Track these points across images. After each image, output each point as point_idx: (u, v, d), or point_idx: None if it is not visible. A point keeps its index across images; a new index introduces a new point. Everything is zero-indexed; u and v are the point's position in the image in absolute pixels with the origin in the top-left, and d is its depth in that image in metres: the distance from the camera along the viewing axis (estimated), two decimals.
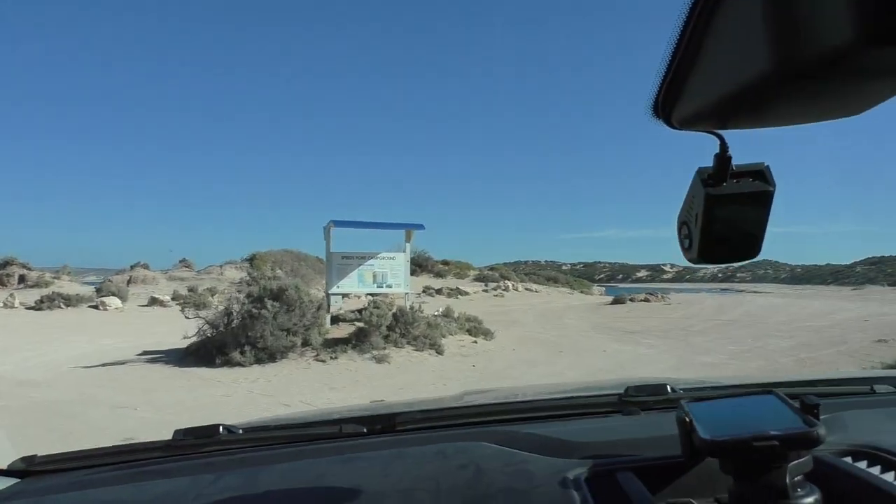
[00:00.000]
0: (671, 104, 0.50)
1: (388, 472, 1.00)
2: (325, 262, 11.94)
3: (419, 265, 34.16)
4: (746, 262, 0.62)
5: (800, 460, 0.71)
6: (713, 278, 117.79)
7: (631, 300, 23.51)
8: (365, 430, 1.22)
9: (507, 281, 32.34)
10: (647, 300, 23.44)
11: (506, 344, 12.78)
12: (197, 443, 1.18)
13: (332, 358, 9.78)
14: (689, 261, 0.62)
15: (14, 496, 1.03)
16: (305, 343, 10.14)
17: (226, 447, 1.19)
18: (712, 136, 0.54)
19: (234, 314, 10.31)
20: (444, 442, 1.12)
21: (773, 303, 22.78)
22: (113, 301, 19.88)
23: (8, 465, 1.14)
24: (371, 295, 12.27)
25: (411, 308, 10.85)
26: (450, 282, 31.76)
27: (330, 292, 11.63)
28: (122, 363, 10.23)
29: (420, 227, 11.82)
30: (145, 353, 11.30)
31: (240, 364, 9.45)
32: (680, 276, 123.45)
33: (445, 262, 35.97)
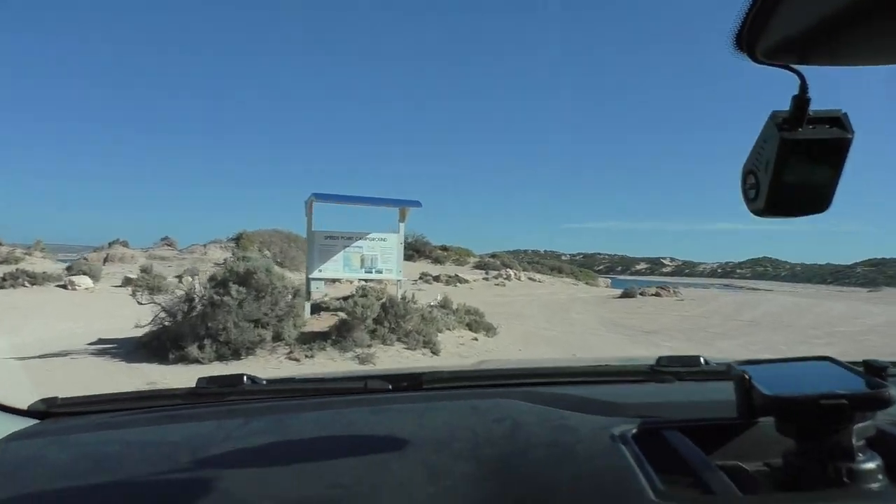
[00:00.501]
0: (756, 35, 0.48)
1: (422, 423, 0.97)
2: (307, 242, 10.38)
3: (416, 250, 32.61)
4: (814, 214, 0.58)
5: (864, 423, 0.68)
6: (712, 273, 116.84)
7: (641, 294, 21.99)
8: (390, 387, 1.20)
9: (509, 269, 30.79)
10: (658, 295, 21.94)
11: (510, 342, 11.31)
12: (221, 391, 1.17)
13: (307, 356, 8.26)
14: (753, 212, 0.59)
15: (35, 435, 1.01)
16: (277, 337, 8.60)
17: (249, 396, 1.17)
18: (790, 76, 0.52)
19: (197, 301, 8.78)
20: (474, 399, 1.09)
21: (792, 303, 21.27)
22: (83, 280, 18.32)
23: (28, 406, 1.12)
24: (363, 281, 10.77)
25: (403, 298, 9.29)
26: (448, 268, 30.21)
27: (310, 277, 10.09)
28: (65, 354, 8.71)
29: (416, 203, 10.26)
30: (99, 341, 9.79)
31: (197, 361, 7.91)
32: (679, 271, 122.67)
33: (444, 248, 34.42)
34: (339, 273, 10.41)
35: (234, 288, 8.34)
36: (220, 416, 1.05)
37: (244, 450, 0.90)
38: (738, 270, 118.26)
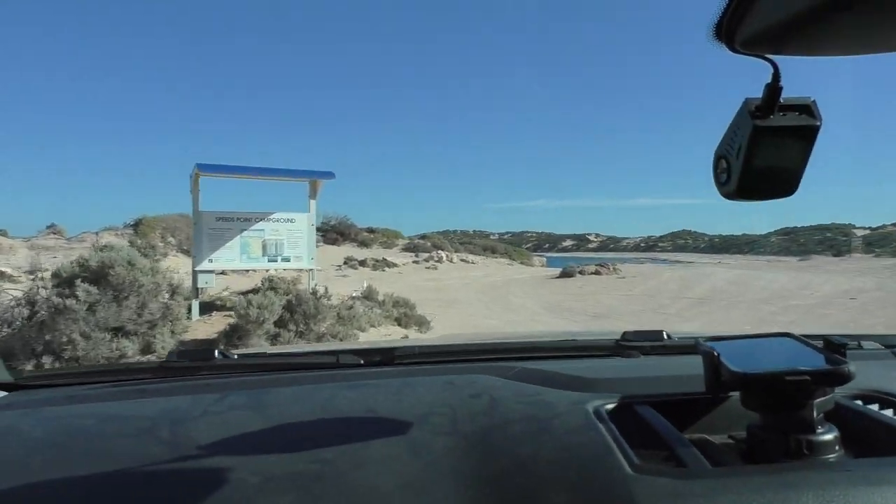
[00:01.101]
0: (735, 26, 0.49)
1: (400, 399, 0.96)
2: (193, 225, 8.30)
3: (340, 233, 30.41)
4: (782, 198, 0.60)
5: (825, 398, 0.71)
6: (636, 248, 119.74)
7: (580, 273, 20.85)
8: (362, 362, 1.20)
9: (440, 251, 29.13)
10: (598, 273, 20.86)
11: (446, 337, 9.67)
12: (192, 365, 1.17)
13: None
14: (725, 195, 0.61)
15: (6, 407, 0.99)
16: (147, 349, 6.58)
17: (221, 371, 1.16)
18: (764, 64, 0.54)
19: (40, 305, 6.63)
20: (449, 374, 1.09)
21: (734, 276, 20.70)
22: None
23: None
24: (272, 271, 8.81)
25: (314, 293, 7.41)
26: (376, 252, 28.25)
27: (197, 269, 8.05)
28: None
29: (329, 175, 8.34)
30: None
31: None
32: (604, 246, 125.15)
33: (371, 230, 32.34)
34: (234, 263, 8.39)
35: (81, 287, 6.24)
36: (195, 391, 1.03)
37: (223, 425, 0.88)
38: (660, 244, 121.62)
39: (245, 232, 8.34)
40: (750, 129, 0.56)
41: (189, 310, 7.81)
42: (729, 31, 0.50)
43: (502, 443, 0.79)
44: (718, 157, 0.61)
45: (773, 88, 0.55)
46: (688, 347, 1.21)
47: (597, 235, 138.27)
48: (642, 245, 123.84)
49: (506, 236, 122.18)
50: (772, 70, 0.54)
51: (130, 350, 6.29)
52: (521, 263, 32.92)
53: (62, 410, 0.97)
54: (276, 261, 8.51)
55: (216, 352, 1.19)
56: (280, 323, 6.99)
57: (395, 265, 24.62)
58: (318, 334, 7.09)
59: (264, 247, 8.42)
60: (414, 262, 26.68)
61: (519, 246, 51.27)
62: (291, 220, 8.54)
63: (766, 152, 0.57)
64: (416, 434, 0.82)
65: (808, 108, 0.57)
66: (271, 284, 10.13)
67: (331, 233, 30.22)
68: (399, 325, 9.62)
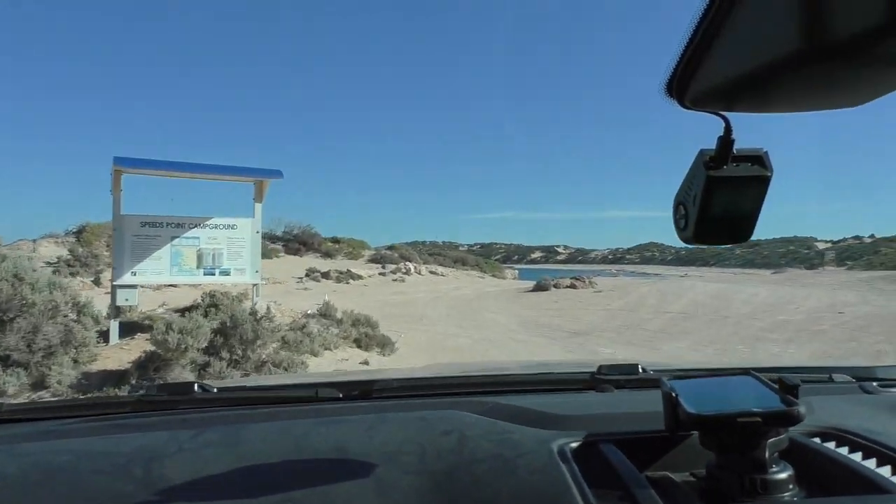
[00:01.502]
0: (686, 83, 0.51)
1: (371, 436, 0.97)
2: (113, 231, 7.03)
3: (303, 243, 29.00)
4: (737, 243, 0.63)
5: (778, 437, 0.73)
6: (604, 260, 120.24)
7: (555, 286, 19.89)
8: (340, 396, 1.21)
9: (408, 262, 27.94)
10: (573, 286, 19.92)
11: (412, 360, 8.53)
12: (170, 399, 1.17)
13: None
14: (683, 240, 0.63)
15: None
16: (40, 384, 5.32)
17: (200, 405, 1.16)
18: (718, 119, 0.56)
19: None
20: (423, 410, 1.09)
21: (713, 290, 19.98)
22: None
23: None
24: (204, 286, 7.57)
25: (253, 314, 6.21)
26: (340, 263, 26.94)
27: (117, 283, 6.79)
28: None
29: (277, 174, 7.15)
30: None
31: None
32: (573, 258, 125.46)
33: (336, 240, 30.99)
34: (162, 276, 7.14)
35: None
36: (171, 427, 1.02)
37: (196, 463, 0.88)
38: (628, 256, 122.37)
39: (177, 240, 7.10)
40: (704, 179, 0.58)
41: (104, 333, 6.54)
42: (680, 89, 0.51)
43: (467, 483, 0.81)
44: (678, 204, 0.63)
45: (726, 141, 0.57)
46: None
47: (565, 247, 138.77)
48: (610, 257, 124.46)
49: (475, 248, 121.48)
50: (724, 124, 0.56)
51: (12, 387, 5.01)
52: (493, 276, 31.89)
53: (38, 446, 0.97)
54: (214, 274, 7.28)
55: (196, 385, 1.19)
56: (209, 350, 5.77)
57: (360, 277, 23.36)
58: (256, 363, 5.89)
59: (200, 257, 7.19)
60: (380, 273, 25.43)
61: (488, 257, 50.34)
62: (233, 227, 7.33)
63: (719, 201, 0.59)
64: (383, 473, 0.84)
65: (759, 159, 0.59)
66: (212, 301, 8.87)
67: (293, 242, 28.80)
68: (359, 346, 8.45)
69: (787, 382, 0.75)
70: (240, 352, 5.94)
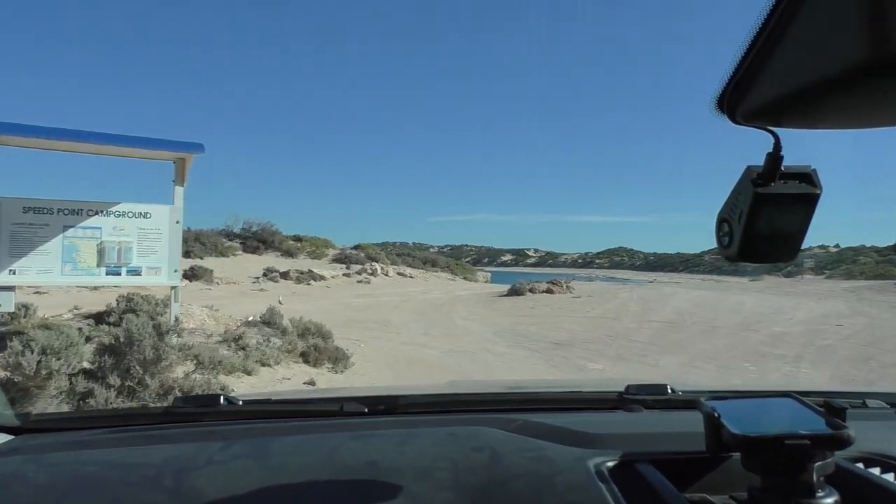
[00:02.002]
0: (737, 99, 0.51)
1: (403, 451, 0.95)
2: None
3: (263, 241, 27.29)
4: (783, 261, 0.62)
5: (825, 461, 0.71)
6: (574, 263, 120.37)
7: (531, 291, 18.67)
8: (366, 410, 1.20)
9: (375, 263, 26.46)
10: (550, 291, 18.72)
11: (368, 378, 7.19)
12: (197, 411, 1.16)
13: None
14: (727, 258, 0.63)
15: (11, 452, 0.99)
16: None
17: (226, 418, 1.16)
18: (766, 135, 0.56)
19: None
20: (450, 426, 1.08)
21: (696, 297, 18.99)
22: None
23: (2, 421, 1.10)
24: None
25: (157, 327, 4.76)
26: (302, 263, 25.34)
27: None
28: None
29: (198, 147, 5.70)
30: None
31: None
32: (543, 261, 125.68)
33: (298, 238, 29.33)
34: (52, 276, 5.63)
35: None
36: (199, 438, 1.02)
37: (227, 475, 0.88)
38: (598, 260, 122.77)
39: (71, 230, 5.61)
40: (751, 197, 0.57)
41: None
42: (731, 105, 0.52)
43: (503, 499, 0.80)
44: (721, 221, 0.63)
45: (774, 158, 0.57)
46: (691, 402, 1.17)
47: (535, 251, 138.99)
48: (580, 261, 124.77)
49: (445, 249, 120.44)
50: (773, 141, 0.56)
51: None
52: (464, 278, 30.55)
53: (67, 456, 0.97)
54: (120, 273, 5.78)
55: (221, 398, 1.17)
56: (92, 373, 4.32)
57: (322, 278, 21.84)
58: (157, 391, 4.45)
59: (101, 253, 5.70)
60: (345, 274, 23.91)
61: (459, 259, 49.06)
62: (146, 215, 5.85)
63: (767, 218, 0.58)
64: (417, 488, 0.83)
65: (808, 177, 0.58)
66: (130, 306, 7.38)
67: (251, 240, 27.08)
68: (306, 361, 7.06)
69: (833, 405, 0.74)
70: (138, 376, 4.51)
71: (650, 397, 1.26)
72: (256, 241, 27.03)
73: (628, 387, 1.29)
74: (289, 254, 27.17)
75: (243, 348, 6.78)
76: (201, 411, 1.15)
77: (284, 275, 21.12)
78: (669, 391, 1.28)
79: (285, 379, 6.24)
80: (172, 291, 5.96)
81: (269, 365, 6.54)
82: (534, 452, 0.91)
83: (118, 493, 0.82)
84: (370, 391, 1.47)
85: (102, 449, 0.98)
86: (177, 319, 5.17)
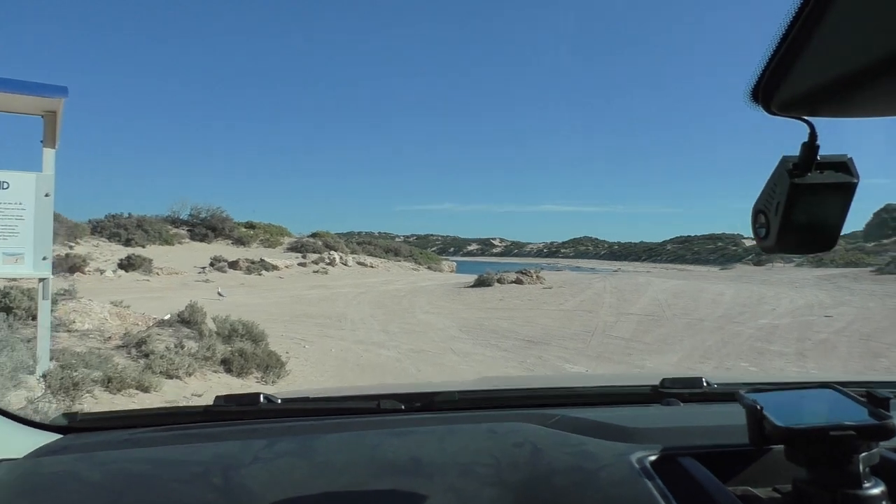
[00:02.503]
0: (773, 89, 0.51)
1: (444, 447, 0.96)
2: None
3: (212, 228, 25.56)
4: (820, 252, 0.61)
5: (870, 452, 0.70)
6: (539, 253, 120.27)
7: (499, 281, 17.53)
8: (403, 407, 1.20)
9: (333, 252, 25.00)
10: (519, 282, 17.62)
11: (312, 385, 5.94)
12: (238, 410, 1.17)
13: None
14: (764, 249, 0.62)
15: (62, 451, 1.00)
16: None
17: (266, 416, 1.17)
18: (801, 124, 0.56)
19: None
20: (489, 422, 1.07)
21: (672, 287, 18.08)
22: None
23: (50, 420, 1.12)
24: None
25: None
26: (254, 251, 23.77)
27: None
28: None
29: (61, 90, 4.32)
30: None
31: None
32: (508, 251, 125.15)
33: (251, 225, 27.66)
34: None
35: None
36: (243, 436, 1.03)
37: (274, 472, 0.88)
38: (563, 250, 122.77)
39: None
40: (788, 187, 0.57)
41: None
42: (766, 95, 0.51)
43: (548, 494, 0.80)
44: (757, 212, 0.62)
45: (811, 147, 0.56)
46: (727, 395, 1.16)
47: (501, 240, 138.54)
48: (545, 251, 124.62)
49: (411, 239, 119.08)
50: (808, 130, 0.56)
51: None
52: (429, 268, 29.32)
53: (117, 454, 0.98)
54: None
55: (261, 396, 1.18)
56: None
57: (275, 268, 20.37)
58: None
59: None
60: (300, 264, 22.45)
61: (425, 249, 47.81)
62: (2, 185, 4.46)
63: (804, 209, 0.57)
64: (462, 484, 0.83)
65: (844, 166, 0.57)
66: (6, 302, 6.00)
67: (200, 227, 25.32)
68: (228, 371, 5.74)
69: (875, 395, 0.74)
70: None
71: (686, 391, 1.26)
72: (205, 228, 25.29)
73: (663, 380, 1.28)
74: (240, 242, 25.53)
75: (146, 355, 5.43)
76: (242, 409, 1.15)
77: (233, 264, 19.58)
78: (705, 384, 1.27)
79: (195, 395, 4.93)
80: (41, 285, 4.59)
81: (177, 377, 5.21)
82: (575, 448, 0.92)
83: (170, 489, 0.84)
84: (406, 388, 1.40)
85: (150, 447, 1.00)
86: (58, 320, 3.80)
